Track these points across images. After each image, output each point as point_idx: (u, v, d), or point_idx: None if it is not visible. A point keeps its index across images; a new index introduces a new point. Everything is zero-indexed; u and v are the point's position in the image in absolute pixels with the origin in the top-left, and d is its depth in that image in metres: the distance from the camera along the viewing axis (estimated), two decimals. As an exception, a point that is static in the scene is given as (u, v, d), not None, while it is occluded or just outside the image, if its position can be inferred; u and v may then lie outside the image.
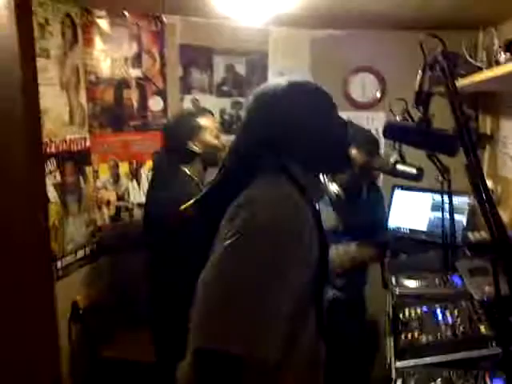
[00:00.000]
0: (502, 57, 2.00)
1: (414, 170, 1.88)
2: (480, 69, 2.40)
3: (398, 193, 3.11)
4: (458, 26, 2.95)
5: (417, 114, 1.47)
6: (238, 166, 1.29)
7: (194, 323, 1.11)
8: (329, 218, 2.18)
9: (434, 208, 2.91)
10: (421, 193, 3.06)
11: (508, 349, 1.20)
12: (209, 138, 2.35)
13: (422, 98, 1.40)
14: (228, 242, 1.12)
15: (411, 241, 2.90)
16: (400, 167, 1.89)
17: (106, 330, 2.84)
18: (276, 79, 1.38)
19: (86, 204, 2.81)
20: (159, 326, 2.33)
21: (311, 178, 1.33)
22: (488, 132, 3.17)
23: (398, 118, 1.74)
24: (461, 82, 2.72)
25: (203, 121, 2.37)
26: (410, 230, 2.99)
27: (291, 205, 1.18)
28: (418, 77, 1.41)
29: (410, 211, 3.08)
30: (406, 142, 1.57)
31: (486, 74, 2.22)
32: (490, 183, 3.08)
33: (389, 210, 3.02)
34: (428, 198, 2.99)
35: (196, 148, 2.32)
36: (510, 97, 2.79)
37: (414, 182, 2.18)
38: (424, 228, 3.05)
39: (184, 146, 2.31)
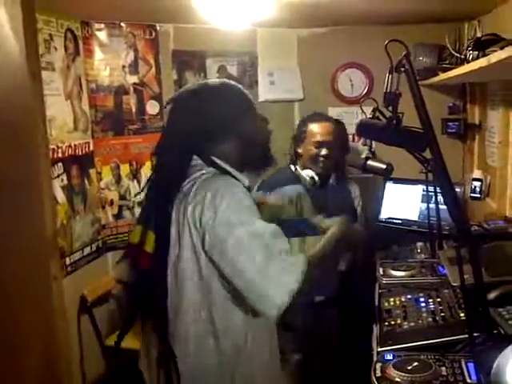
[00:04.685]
0: (470, 54, 2.09)
1: (383, 166, 1.98)
2: (463, 61, 2.46)
3: (389, 185, 3.22)
4: (444, 19, 3.04)
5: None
6: (172, 166, 1.38)
7: None
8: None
9: (425, 199, 3.00)
10: (412, 185, 3.18)
11: (472, 333, 1.30)
12: None
13: (391, 98, 1.47)
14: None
15: (402, 231, 3.02)
16: (370, 163, 1.99)
17: (112, 322, 2.99)
18: (193, 84, 1.51)
19: (90, 204, 2.95)
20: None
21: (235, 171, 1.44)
22: (476, 122, 3.23)
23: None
24: (442, 76, 2.82)
25: None
26: (401, 220, 3.11)
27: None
28: (386, 78, 1.47)
29: (402, 203, 3.19)
30: (378, 140, 1.66)
31: (456, 70, 2.33)
32: (479, 173, 3.15)
33: (381, 202, 3.14)
34: (419, 190, 3.09)
35: None
36: (494, 87, 2.85)
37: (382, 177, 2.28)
38: (415, 218, 3.17)
39: None
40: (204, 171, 1.37)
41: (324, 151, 2.31)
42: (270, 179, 2.36)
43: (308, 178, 2.27)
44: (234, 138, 1.44)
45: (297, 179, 2.39)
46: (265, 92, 3.31)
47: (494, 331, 1.47)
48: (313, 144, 2.32)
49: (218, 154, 1.41)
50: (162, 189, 1.38)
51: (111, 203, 3.11)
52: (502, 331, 1.47)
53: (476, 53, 2.01)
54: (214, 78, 3.24)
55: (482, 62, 1.83)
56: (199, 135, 1.39)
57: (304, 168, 2.35)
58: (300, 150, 2.39)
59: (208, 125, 1.39)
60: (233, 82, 1.50)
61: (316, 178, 2.25)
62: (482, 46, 1.99)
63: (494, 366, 1.12)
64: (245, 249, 1.25)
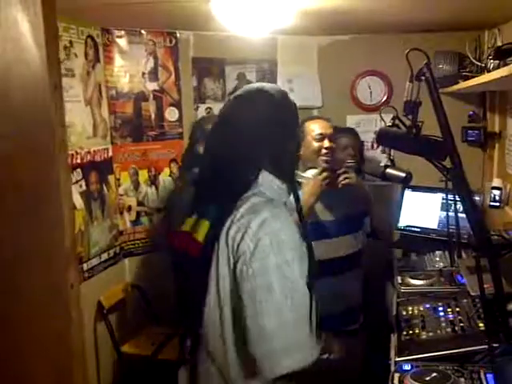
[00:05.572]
0: (490, 63, 2.08)
1: (403, 174, 1.96)
2: (484, 69, 2.45)
3: (408, 193, 3.20)
4: (464, 27, 3.01)
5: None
6: (239, 172, 1.36)
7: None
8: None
9: (444, 207, 2.98)
10: (431, 193, 3.15)
11: (491, 344, 1.29)
12: None
13: (411, 107, 1.47)
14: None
15: (421, 239, 2.99)
16: (389, 171, 1.98)
17: (128, 328, 3.01)
18: (253, 84, 1.51)
19: (108, 210, 2.97)
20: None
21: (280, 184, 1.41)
22: (496, 130, 3.20)
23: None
24: (462, 85, 2.80)
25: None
26: (420, 228, 3.08)
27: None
28: (406, 87, 1.47)
29: (421, 211, 3.17)
30: (397, 148, 1.65)
31: (477, 79, 2.31)
32: (498, 181, 3.12)
33: (399, 209, 3.12)
34: (438, 198, 3.07)
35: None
36: (514, 96, 2.84)
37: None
38: (434, 226, 3.14)
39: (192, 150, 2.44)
40: (259, 190, 1.35)
41: (327, 143, 2.28)
42: None
43: (311, 176, 2.23)
44: (294, 147, 1.44)
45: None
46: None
47: (514, 342, 1.45)
48: (313, 139, 2.29)
49: (277, 163, 1.39)
50: (226, 186, 1.35)
51: (129, 209, 3.13)
52: (523, 342, 1.45)
53: (497, 62, 2.00)
54: (232, 85, 3.28)
55: (503, 72, 1.82)
56: (270, 142, 1.37)
57: (305, 171, 2.28)
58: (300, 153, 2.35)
59: (278, 131, 1.38)
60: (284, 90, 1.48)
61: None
62: (503, 54, 1.97)
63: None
64: (274, 295, 1.21)
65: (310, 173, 2.21)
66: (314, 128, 2.31)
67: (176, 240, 1.43)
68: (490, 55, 2.23)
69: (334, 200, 2.34)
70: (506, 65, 1.81)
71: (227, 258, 1.29)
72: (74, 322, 0.82)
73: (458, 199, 2.38)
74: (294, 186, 1.42)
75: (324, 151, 2.27)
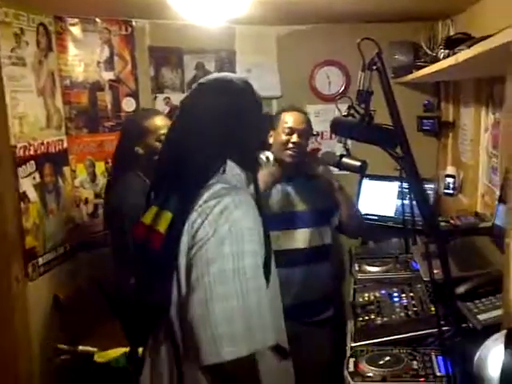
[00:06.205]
0: (441, 53, 2.12)
1: (358, 163, 2.00)
2: (438, 59, 2.49)
3: (365, 182, 3.25)
4: (419, 18, 3.07)
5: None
6: (202, 163, 1.34)
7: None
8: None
9: (400, 195, 3.04)
10: (388, 181, 3.21)
11: (441, 328, 1.33)
12: (151, 141, 2.27)
13: (363, 96, 1.47)
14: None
15: (379, 227, 3.06)
16: (345, 160, 2.01)
17: (85, 324, 2.96)
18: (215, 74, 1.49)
19: (64, 203, 2.90)
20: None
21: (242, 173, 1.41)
22: (450, 120, 3.27)
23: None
24: (415, 74, 2.86)
25: (150, 123, 2.30)
26: (377, 216, 3.14)
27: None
28: (359, 76, 1.48)
29: (379, 199, 3.23)
30: (351, 137, 1.67)
31: (427, 69, 2.36)
32: (453, 169, 3.20)
33: (357, 198, 3.17)
34: (395, 186, 3.13)
35: (141, 152, 2.28)
36: (466, 86, 2.90)
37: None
38: (391, 214, 3.21)
39: (130, 151, 2.28)
40: (223, 177, 1.34)
41: (295, 137, 2.30)
42: None
43: (264, 158, 2.26)
44: (255, 137, 1.44)
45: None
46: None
47: (463, 325, 1.50)
48: (284, 131, 2.31)
49: (239, 151, 1.38)
50: (189, 175, 1.32)
51: (86, 202, 3.07)
52: (471, 325, 1.50)
53: (447, 51, 2.04)
54: (191, 75, 3.25)
55: (450, 61, 1.86)
56: (233, 131, 1.36)
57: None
58: (271, 140, 2.38)
59: (240, 120, 1.37)
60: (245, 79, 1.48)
61: (271, 158, 2.24)
62: (453, 44, 2.01)
63: (476, 358, 1.13)
64: (227, 282, 1.20)
65: (264, 154, 2.24)
66: (288, 120, 2.33)
67: (135, 232, 1.41)
68: (440, 45, 2.27)
69: (300, 192, 2.37)
70: (454, 54, 1.85)
71: (186, 246, 1.27)
72: (18, 312, 0.80)
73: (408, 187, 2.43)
74: (254, 176, 1.42)
75: (290, 145, 2.30)
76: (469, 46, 1.59)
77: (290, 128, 2.30)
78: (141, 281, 1.44)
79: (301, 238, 2.35)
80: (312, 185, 2.39)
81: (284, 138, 2.31)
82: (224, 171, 1.35)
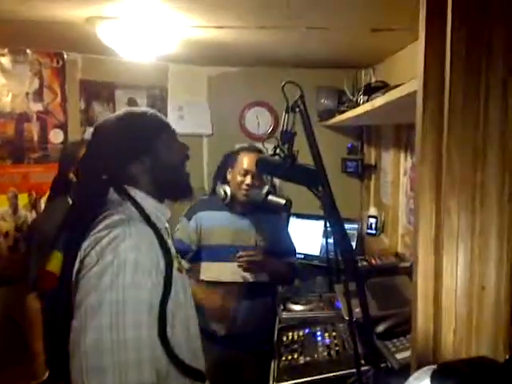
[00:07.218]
0: (361, 99, 2.26)
1: (282, 201, 2.05)
2: (359, 105, 2.64)
3: (293, 220, 3.33)
4: (343, 66, 3.25)
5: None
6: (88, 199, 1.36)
7: None
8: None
9: (326, 234, 3.12)
10: (314, 220, 3.31)
11: (359, 367, 1.37)
12: None
13: (287, 136, 1.50)
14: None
15: (305, 266, 3.12)
16: (270, 198, 2.06)
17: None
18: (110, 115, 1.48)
19: (-17, 235, 2.78)
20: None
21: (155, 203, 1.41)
22: (372, 162, 3.44)
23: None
24: (337, 118, 3.01)
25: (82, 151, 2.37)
26: (303, 254, 3.21)
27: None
28: (283, 117, 1.51)
29: (305, 237, 3.31)
30: (276, 175, 1.72)
31: (348, 113, 2.50)
32: (375, 210, 3.35)
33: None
34: (320, 225, 3.22)
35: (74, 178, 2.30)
36: (386, 130, 3.08)
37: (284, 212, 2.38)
38: (317, 253, 3.30)
39: (64, 177, 2.31)
40: (117, 209, 1.33)
41: (249, 179, 2.36)
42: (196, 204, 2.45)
43: (222, 192, 2.35)
44: (148, 156, 1.40)
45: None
46: (174, 126, 3.32)
47: (382, 365, 1.55)
48: (240, 172, 2.38)
49: (132, 177, 1.38)
50: (78, 213, 1.33)
51: (6, 235, 2.94)
52: (389, 364, 1.56)
53: (366, 97, 2.17)
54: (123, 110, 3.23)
55: (367, 106, 1.99)
56: (112, 155, 1.37)
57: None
58: (229, 177, 2.44)
59: (120, 144, 1.37)
60: (153, 110, 1.50)
61: (228, 192, 2.32)
62: (371, 91, 2.15)
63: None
64: (101, 314, 1.17)
65: (222, 188, 2.38)
66: (244, 162, 2.38)
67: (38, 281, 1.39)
68: (360, 92, 2.42)
69: (252, 227, 2.41)
70: (372, 100, 1.97)
71: (77, 267, 1.25)
72: None
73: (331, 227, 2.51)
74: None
75: (244, 186, 2.35)
76: (384, 93, 1.71)
77: (245, 170, 2.37)
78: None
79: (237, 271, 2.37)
80: (265, 221, 2.44)
81: (239, 178, 2.37)
82: (124, 200, 1.35)
